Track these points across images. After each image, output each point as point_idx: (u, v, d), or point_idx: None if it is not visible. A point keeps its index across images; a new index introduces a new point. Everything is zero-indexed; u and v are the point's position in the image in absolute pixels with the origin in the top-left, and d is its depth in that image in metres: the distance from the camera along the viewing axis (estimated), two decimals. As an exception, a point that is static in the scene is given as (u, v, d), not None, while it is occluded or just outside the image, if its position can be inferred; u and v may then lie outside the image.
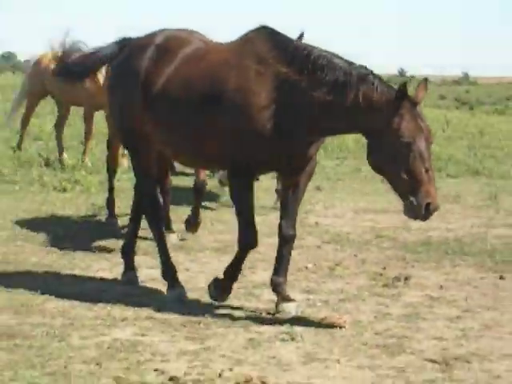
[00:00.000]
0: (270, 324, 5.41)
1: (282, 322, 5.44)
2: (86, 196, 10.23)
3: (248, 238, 5.60)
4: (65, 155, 12.84)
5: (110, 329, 5.19)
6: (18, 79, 25.92)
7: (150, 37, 6.05)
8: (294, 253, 6.13)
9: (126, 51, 6.18)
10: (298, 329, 5.25)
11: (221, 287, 5.74)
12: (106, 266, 7.12)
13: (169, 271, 6.08)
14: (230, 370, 4.35)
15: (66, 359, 4.37)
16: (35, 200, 9.82)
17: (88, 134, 12.82)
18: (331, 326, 5.25)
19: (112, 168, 9.00)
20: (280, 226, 5.63)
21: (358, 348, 4.81)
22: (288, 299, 5.61)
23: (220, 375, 4.25)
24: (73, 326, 5.14)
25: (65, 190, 10.41)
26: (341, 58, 5.25)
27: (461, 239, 8.29)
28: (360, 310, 5.66)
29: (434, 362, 4.56)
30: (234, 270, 5.74)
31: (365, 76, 5.15)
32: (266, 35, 5.46)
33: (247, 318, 5.62)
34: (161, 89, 5.73)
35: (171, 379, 4.20)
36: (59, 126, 12.92)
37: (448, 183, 11.91)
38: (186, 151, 5.98)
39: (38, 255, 7.39)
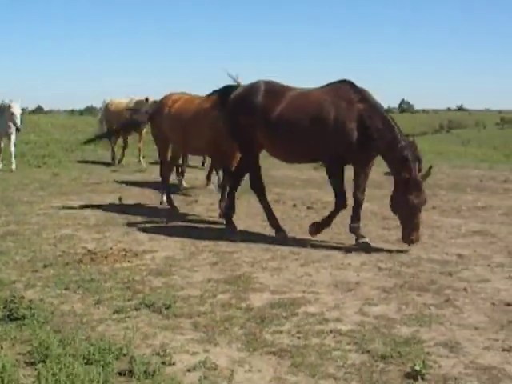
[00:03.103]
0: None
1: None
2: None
3: (342, 201, 8.63)
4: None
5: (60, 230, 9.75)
6: None
7: (256, 84, 9.22)
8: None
9: (238, 94, 9.33)
10: (149, 226, 9.81)
11: (316, 228, 8.79)
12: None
13: (273, 221, 9.25)
14: (115, 246, 8.41)
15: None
16: None
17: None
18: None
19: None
20: (355, 193, 8.70)
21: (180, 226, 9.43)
22: (361, 236, 8.63)
23: (111, 248, 8.28)
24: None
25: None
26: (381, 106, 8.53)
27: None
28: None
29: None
30: (329, 220, 8.76)
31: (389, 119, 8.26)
32: (349, 84, 8.62)
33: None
34: (276, 116, 8.80)
35: (89, 250, 8.17)
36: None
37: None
38: (293, 153, 9.07)
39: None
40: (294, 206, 11.62)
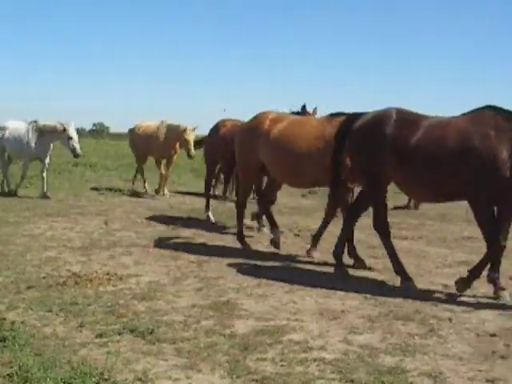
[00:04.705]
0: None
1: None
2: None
3: (496, 250, 7.54)
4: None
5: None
6: None
7: (386, 112, 8.08)
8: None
9: (365, 123, 8.19)
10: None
11: (464, 283, 7.59)
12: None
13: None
14: (99, 269, 8.35)
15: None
16: None
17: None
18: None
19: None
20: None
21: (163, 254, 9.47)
22: (502, 289, 7.51)
23: (96, 271, 8.18)
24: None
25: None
26: None
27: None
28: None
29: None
30: (478, 272, 7.59)
31: None
32: (494, 110, 7.42)
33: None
34: (410, 148, 7.67)
35: (73, 273, 8.05)
36: None
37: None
38: (430, 191, 7.92)
39: None
40: (281, 233, 11.56)
